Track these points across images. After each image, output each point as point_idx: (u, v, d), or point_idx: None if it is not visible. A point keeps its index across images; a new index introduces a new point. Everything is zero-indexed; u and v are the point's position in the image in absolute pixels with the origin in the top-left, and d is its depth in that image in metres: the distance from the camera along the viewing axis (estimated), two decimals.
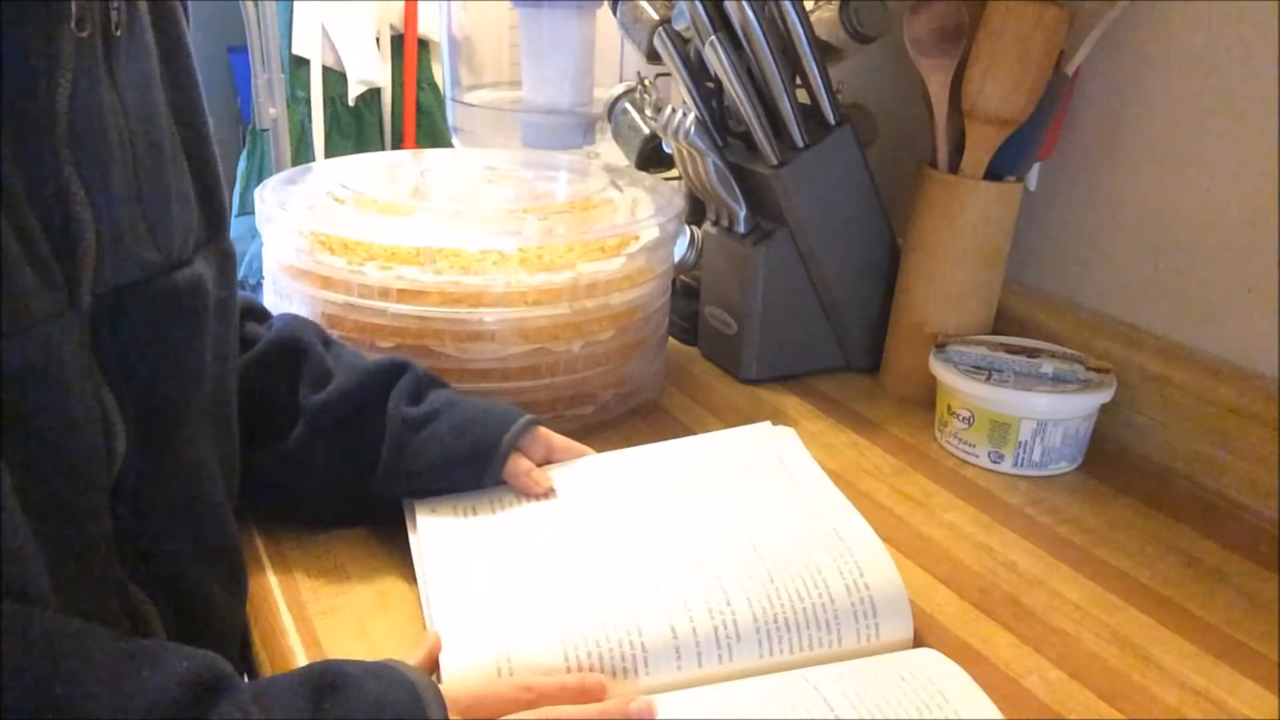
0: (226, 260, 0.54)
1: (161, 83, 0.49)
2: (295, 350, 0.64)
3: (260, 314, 0.69)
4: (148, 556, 0.49)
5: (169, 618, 0.50)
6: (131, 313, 0.46)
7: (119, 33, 0.44)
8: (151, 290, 0.47)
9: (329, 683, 0.43)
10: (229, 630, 0.55)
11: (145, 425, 0.47)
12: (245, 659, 0.59)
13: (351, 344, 0.74)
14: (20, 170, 0.40)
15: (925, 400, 0.84)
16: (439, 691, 0.45)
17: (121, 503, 0.46)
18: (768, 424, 0.70)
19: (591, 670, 0.50)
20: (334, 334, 0.75)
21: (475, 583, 0.56)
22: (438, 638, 0.51)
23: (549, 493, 0.63)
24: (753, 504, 0.61)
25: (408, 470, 0.62)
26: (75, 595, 0.43)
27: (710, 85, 0.90)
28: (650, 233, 0.79)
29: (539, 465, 0.65)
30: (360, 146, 2.13)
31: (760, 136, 0.83)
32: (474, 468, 0.62)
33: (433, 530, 0.60)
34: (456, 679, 0.49)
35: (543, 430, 0.66)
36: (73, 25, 0.42)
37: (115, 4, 0.44)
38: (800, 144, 0.84)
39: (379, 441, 0.62)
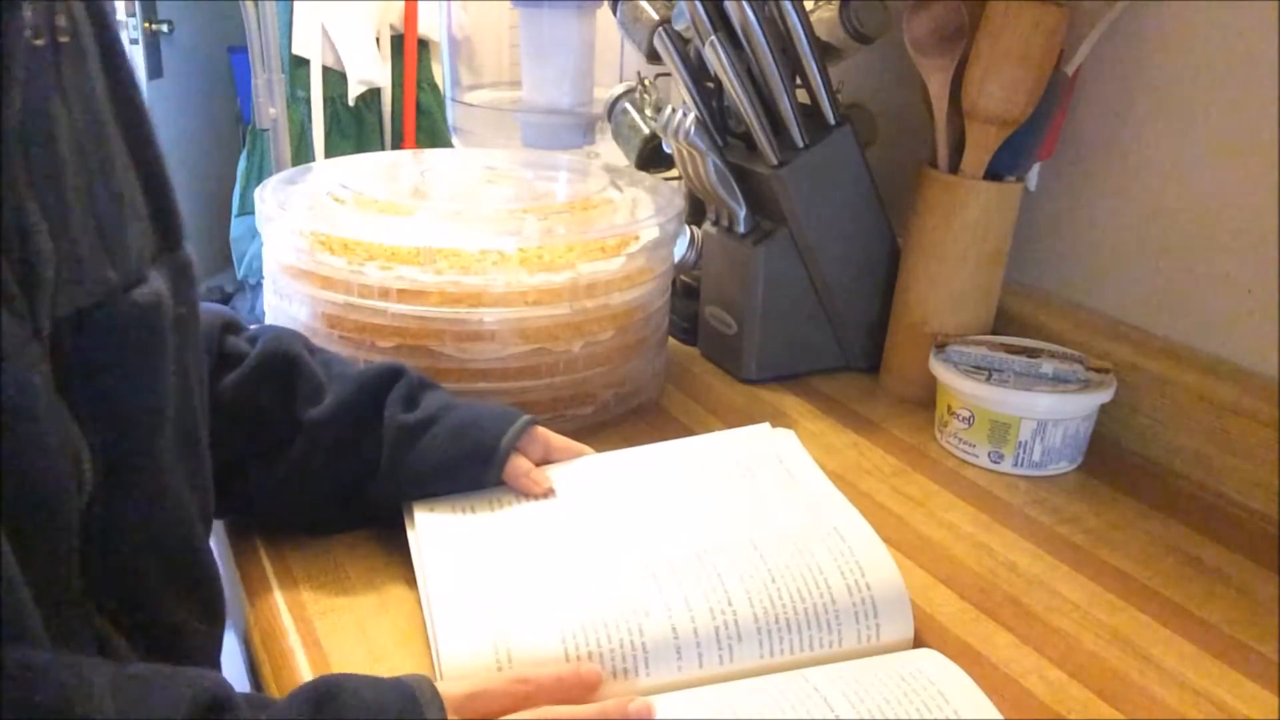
0: (183, 271, 0.51)
1: (104, 91, 0.46)
2: (285, 364, 0.63)
3: (237, 326, 0.67)
4: (118, 590, 0.47)
5: (141, 653, 0.48)
6: (92, 335, 0.44)
7: (64, 40, 0.42)
8: (111, 310, 0.44)
9: (324, 694, 0.43)
10: (204, 665, 0.53)
11: (111, 451, 0.45)
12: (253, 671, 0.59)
13: (351, 344, 0.74)
14: None
15: (925, 400, 0.84)
16: (435, 690, 0.45)
17: (90, 533, 0.45)
18: (767, 425, 0.70)
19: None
20: (334, 334, 0.75)
21: (474, 579, 0.56)
22: None
23: (548, 493, 0.63)
24: (753, 503, 0.61)
25: (407, 476, 0.62)
26: (49, 633, 0.41)
27: (710, 85, 0.90)
28: (650, 233, 0.79)
29: (537, 465, 0.65)
30: (360, 146, 2.13)
31: (760, 136, 0.83)
32: (474, 471, 0.62)
33: (431, 529, 0.60)
34: (452, 676, 0.49)
35: (541, 430, 0.66)
36: (28, 34, 0.40)
37: (60, 11, 0.42)
38: (800, 144, 0.84)
39: (377, 449, 0.62)
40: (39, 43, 0.40)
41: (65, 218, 0.42)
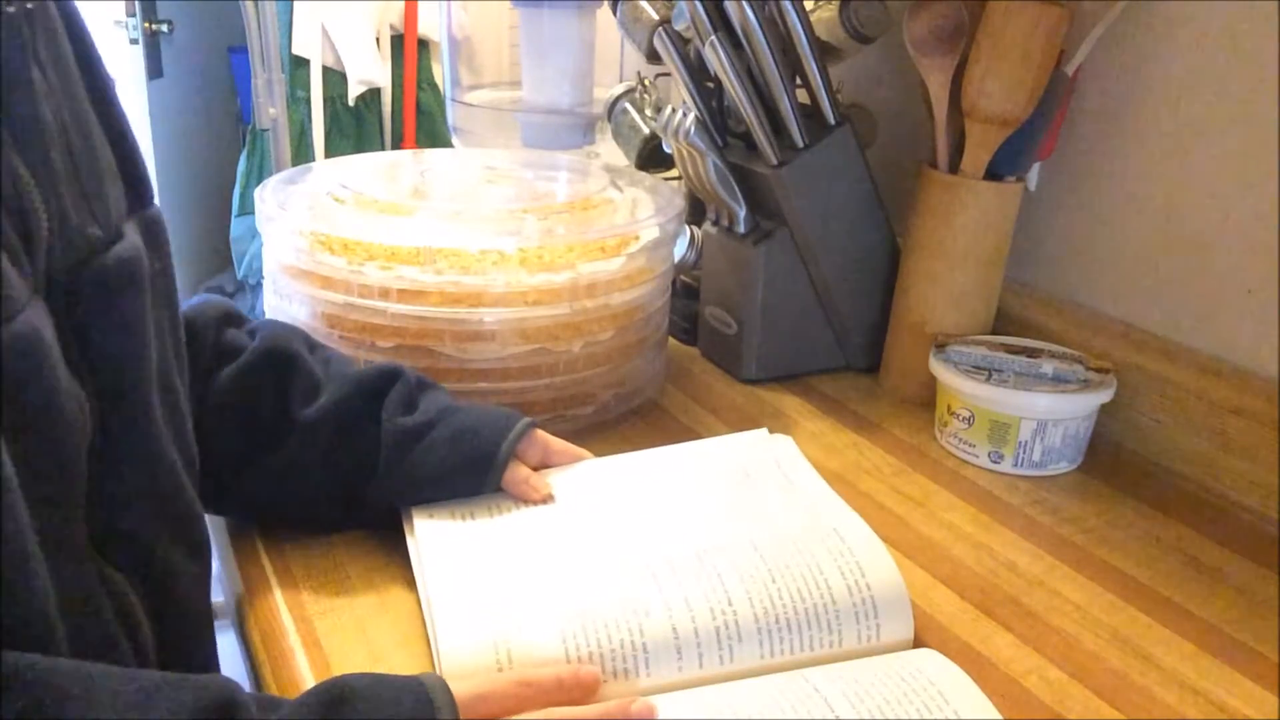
0: (155, 227, 0.52)
1: (70, 55, 0.48)
2: (283, 361, 0.63)
3: (238, 319, 0.67)
4: (118, 537, 0.48)
5: (146, 600, 0.49)
6: (84, 291, 0.45)
7: (30, 6, 0.43)
8: (98, 266, 0.46)
9: (337, 696, 0.43)
10: (199, 609, 0.54)
11: (106, 403, 0.47)
12: (250, 661, 0.59)
13: (351, 344, 0.74)
14: None
15: (925, 400, 0.84)
16: (449, 690, 0.45)
17: (91, 483, 0.46)
18: (764, 431, 0.70)
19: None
20: (334, 334, 0.75)
21: (474, 581, 0.56)
22: None
23: (547, 499, 0.63)
24: (752, 504, 0.61)
25: (406, 482, 0.62)
26: (63, 585, 0.43)
27: (710, 85, 0.90)
28: (650, 233, 0.79)
29: (536, 468, 0.65)
30: (360, 146, 2.13)
31: (760, 136, 0.83)
32: (472, 477, 0.62)
33: (430, 534, 0.60)
34: (453, 676, 0.49)
35: (539, 433, 0.66)
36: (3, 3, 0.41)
37: None
38: (800, 144, 0.84)
39: (374, 452, 0.62)
40: (11, 9, 0.41)
41: (52, 178, 0.43)
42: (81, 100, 0.47)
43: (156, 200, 0.53)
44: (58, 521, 0.43)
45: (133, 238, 0.49)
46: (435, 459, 0.62)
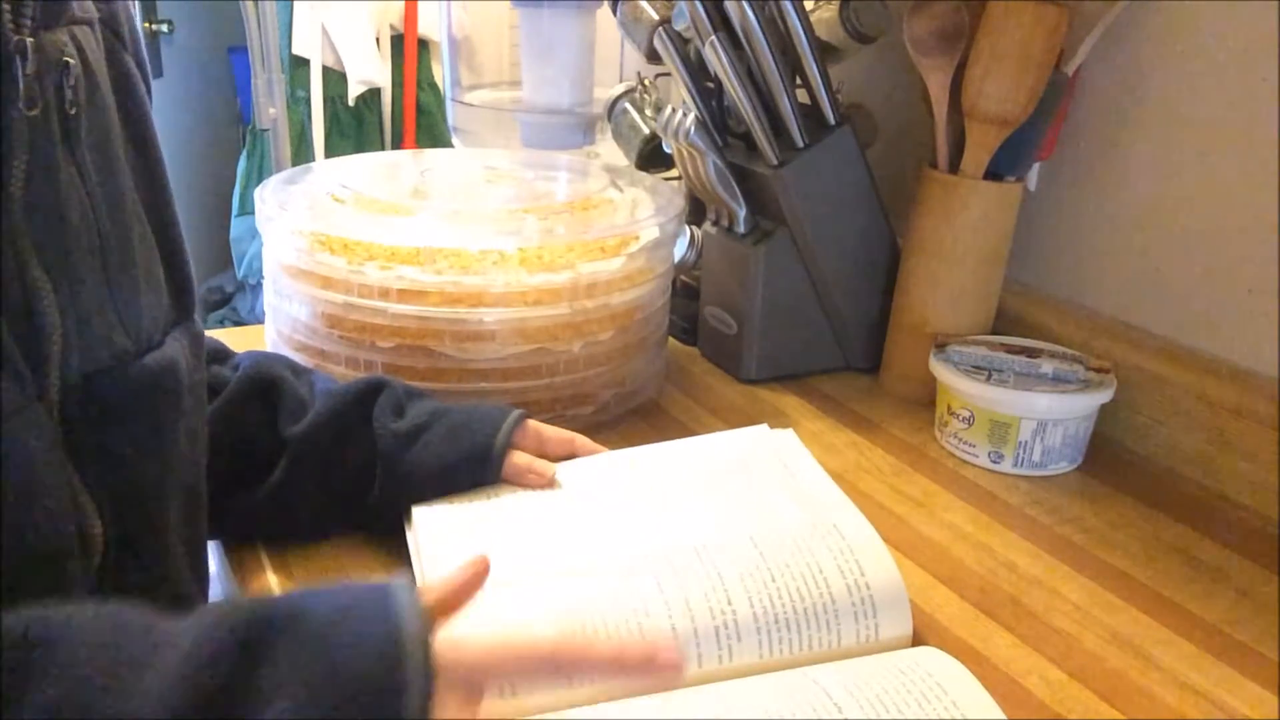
0: (197, 341, 0.53)
1: (128, 165, 0.48)
2: (267, 385, 0.64)
3: (223, 355, 0.67)
4: None
5: None
6: (103, 399, 0.45)
7: (74, 111, 0.43)
8: (123, 375, 0.46)
9: (285, 615, 0.37)
10: None
11: (121, 513, 0.46)
12: None
13: (351, 344, 0.74)
14: None
15: (925, 400, 0.84)
16: (427, 643, 0.37)
17: (102, 591, 0.45)
18: (765, 426, 0.70)
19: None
20: (334, 334, 0.75)
21: None
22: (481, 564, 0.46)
23: (552, 482, 0.63)
24: (752, 500, 0.61)
25: (405, 485, 0.62)
26: None
27: (710, 85, 0.90)
28: (650, 233, 0.79)
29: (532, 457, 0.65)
30: (360, 146, 2.14)
31: (760, 136, 0.83)
32: (472, 471, 0.62)
33: (428, 526, 0.60)
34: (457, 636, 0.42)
35: (532, 423, 0.66)
36: (21, 105, 0.40)
37: (70, 82, 0.43)
38: (800, 144, 0.84)
39: (369, 461, 0.62)
40: (33, 113, 0.41)
41: (73, 285, 0.43)
42: (129, 209, 0.47)
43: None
44: None
45: (172, 349, 0.49)
46: (433, 457, 0.62)
